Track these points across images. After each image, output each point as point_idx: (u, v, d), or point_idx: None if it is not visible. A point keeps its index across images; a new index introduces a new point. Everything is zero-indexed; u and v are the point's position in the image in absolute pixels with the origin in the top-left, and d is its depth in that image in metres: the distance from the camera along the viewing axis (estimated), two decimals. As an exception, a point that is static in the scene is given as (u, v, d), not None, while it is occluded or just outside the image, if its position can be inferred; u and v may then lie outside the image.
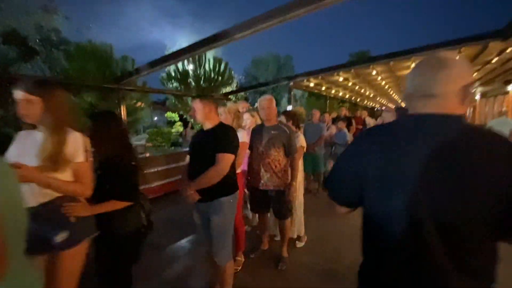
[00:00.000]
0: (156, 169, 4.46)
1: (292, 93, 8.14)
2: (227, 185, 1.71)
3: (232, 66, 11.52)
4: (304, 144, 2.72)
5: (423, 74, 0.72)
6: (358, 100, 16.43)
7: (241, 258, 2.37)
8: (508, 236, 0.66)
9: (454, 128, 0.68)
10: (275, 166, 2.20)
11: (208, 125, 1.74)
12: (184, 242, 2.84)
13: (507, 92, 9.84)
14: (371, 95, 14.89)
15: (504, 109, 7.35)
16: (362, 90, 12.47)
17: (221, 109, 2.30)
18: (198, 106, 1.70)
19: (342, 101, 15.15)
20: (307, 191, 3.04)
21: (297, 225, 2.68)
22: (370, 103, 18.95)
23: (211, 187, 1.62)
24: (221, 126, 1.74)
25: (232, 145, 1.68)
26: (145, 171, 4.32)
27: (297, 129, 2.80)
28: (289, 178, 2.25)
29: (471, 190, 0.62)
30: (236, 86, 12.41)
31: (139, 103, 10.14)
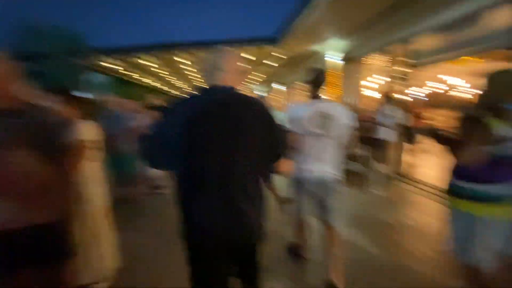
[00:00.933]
0: None
1: (89, 75, 6.17)
2: None
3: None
4: (92, 137, 1.79)
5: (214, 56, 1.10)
6: (168, 89, 16.30)
7: None
8: (267, 167, 1.22)
9: (232, 95, 1.08)
10: (23, 184, 1.14)
11: None
12: None
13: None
14: (178, 85, 15.29)
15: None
16: (171, 79, 12.38)
17: None
18: None
19: (153, 89, 14.20)
20: (117, 201, 2.19)
21: (97, 264, 1.80)
22: (179, 92, 19.57)
23: None
24: None
25: None
26: None
27: (84, 118, 1.80)
28: (62, 199, 1.31)
29: (244, 136, 1.02)
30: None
31: None
